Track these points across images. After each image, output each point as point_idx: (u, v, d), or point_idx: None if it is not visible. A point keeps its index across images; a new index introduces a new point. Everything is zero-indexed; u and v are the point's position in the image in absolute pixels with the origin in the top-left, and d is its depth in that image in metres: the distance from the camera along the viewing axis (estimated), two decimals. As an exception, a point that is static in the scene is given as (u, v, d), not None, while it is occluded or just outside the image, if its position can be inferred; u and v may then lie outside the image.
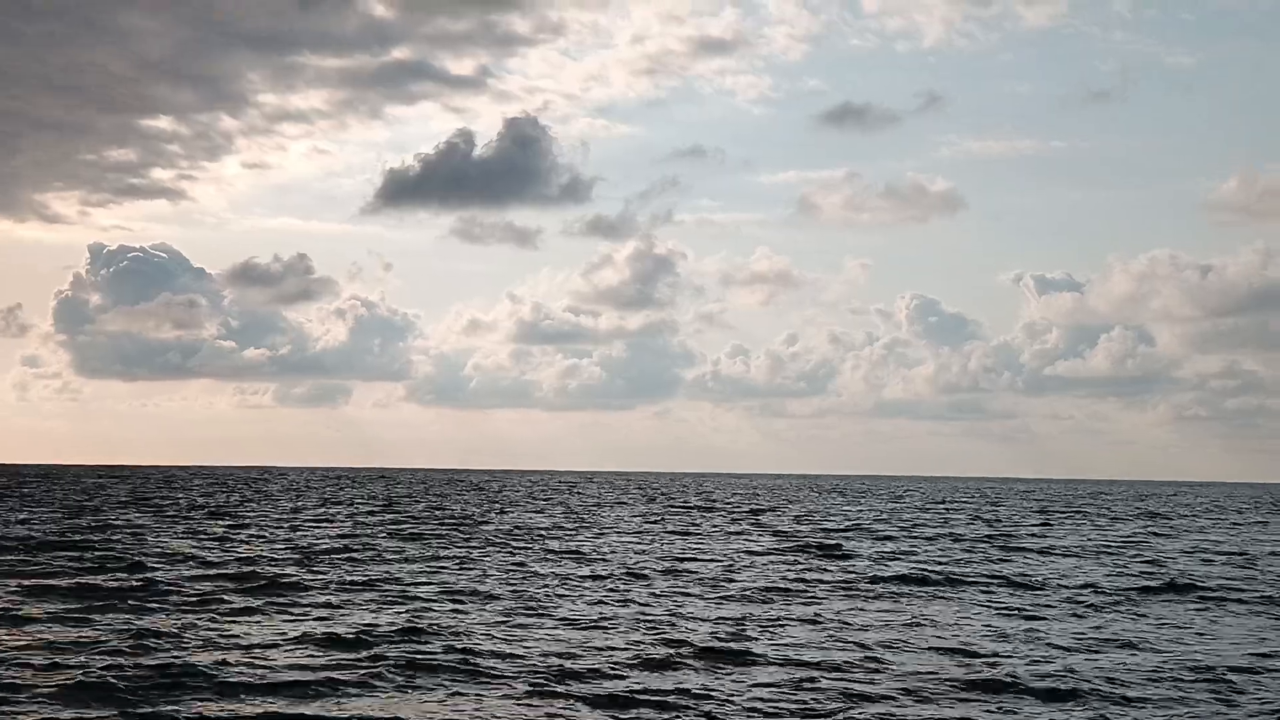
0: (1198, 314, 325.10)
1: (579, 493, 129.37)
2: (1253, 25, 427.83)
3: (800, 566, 39.45)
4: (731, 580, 34.31)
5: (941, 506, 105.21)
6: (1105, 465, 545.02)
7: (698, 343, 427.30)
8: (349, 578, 33.13)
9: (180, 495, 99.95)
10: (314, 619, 25.12)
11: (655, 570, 36.93)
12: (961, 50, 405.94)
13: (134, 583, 30.71)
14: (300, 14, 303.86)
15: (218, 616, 25.29)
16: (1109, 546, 52.49)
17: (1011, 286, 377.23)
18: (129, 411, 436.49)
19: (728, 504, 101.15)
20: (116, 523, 57.54)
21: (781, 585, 33.20)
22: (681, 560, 40.85)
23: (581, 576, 34.76)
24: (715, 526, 63.91)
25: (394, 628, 23.75)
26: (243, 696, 17.63)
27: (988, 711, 17.72)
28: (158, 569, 34.34)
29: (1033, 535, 60.57)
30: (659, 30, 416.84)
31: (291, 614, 25.80)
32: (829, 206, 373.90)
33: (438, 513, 74.26)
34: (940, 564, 41.01)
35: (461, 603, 28.36)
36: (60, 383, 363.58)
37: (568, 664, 20.47)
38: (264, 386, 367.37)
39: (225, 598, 28.22)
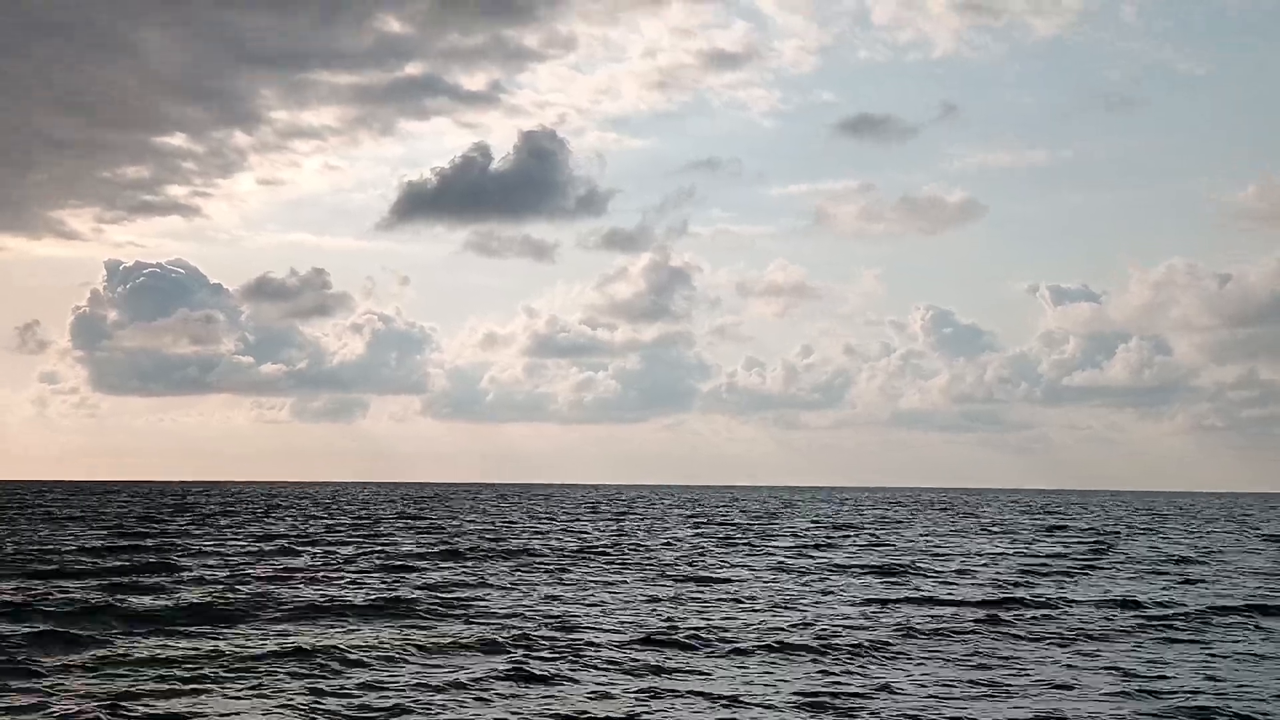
0: (1215, 323, 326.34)
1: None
2: (1265, 30, 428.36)
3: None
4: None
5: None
6: (1121, 475, 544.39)
7: (713, 355, 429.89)
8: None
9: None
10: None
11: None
12: (971, 61, 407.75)
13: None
14: (313, 31, 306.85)
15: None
16: None
17: (1026, 297, 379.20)
18: (146, 427, 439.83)
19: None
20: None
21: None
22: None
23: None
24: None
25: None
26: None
27: None
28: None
29: None
30: (669, 44, 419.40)
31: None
32: (843, 218, 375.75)
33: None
34: None
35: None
36: (78, 398, 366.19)
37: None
38: (281, 401, 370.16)
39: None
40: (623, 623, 27.94)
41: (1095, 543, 62.93)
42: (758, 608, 31.05)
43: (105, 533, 61.75)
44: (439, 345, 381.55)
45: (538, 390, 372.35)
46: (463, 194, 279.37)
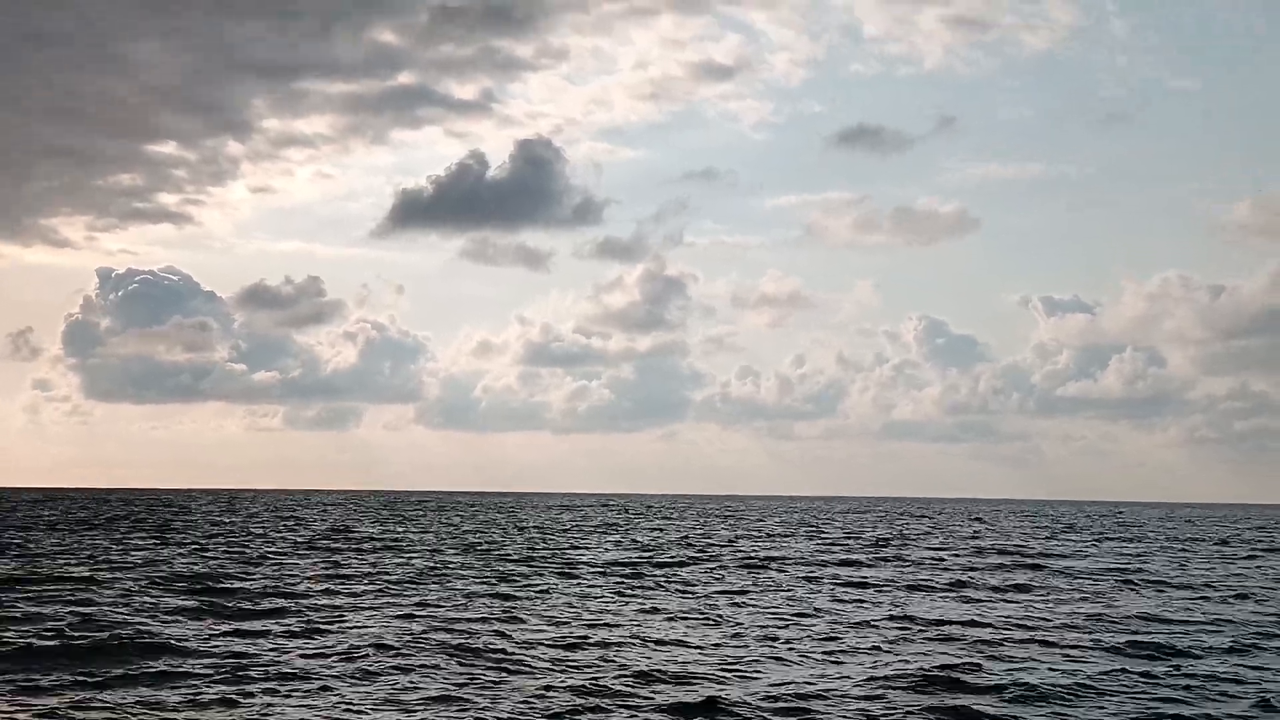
0: (1208, 336, 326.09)
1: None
2: (1254, 44, 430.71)
3: None
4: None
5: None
6: (1115, 487, 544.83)
7: (707, 365, 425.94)
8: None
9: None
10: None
11: None
12: (962, 75, 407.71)
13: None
14: (305, 41, 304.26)
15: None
16: None
17: (1019, 308, 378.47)
18: (139, 434, 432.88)
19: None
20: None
21: None
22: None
23: None
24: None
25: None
26: None
27: None
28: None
29: None
30: (660, 55, 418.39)
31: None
32: (837, 229, 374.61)
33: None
34: None
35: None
36: (70, 406, 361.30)
37: None
38: (274, 409, 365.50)
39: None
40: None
41: None
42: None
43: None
44: (433, 354, 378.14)
45: (531, 399, 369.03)
46: (457, 202, 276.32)
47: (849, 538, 77.56)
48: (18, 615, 28.43)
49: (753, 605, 33.72)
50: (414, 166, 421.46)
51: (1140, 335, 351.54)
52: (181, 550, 54.14)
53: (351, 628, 27.35)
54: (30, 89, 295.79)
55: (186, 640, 25.08)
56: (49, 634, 25.39)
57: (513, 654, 23.93)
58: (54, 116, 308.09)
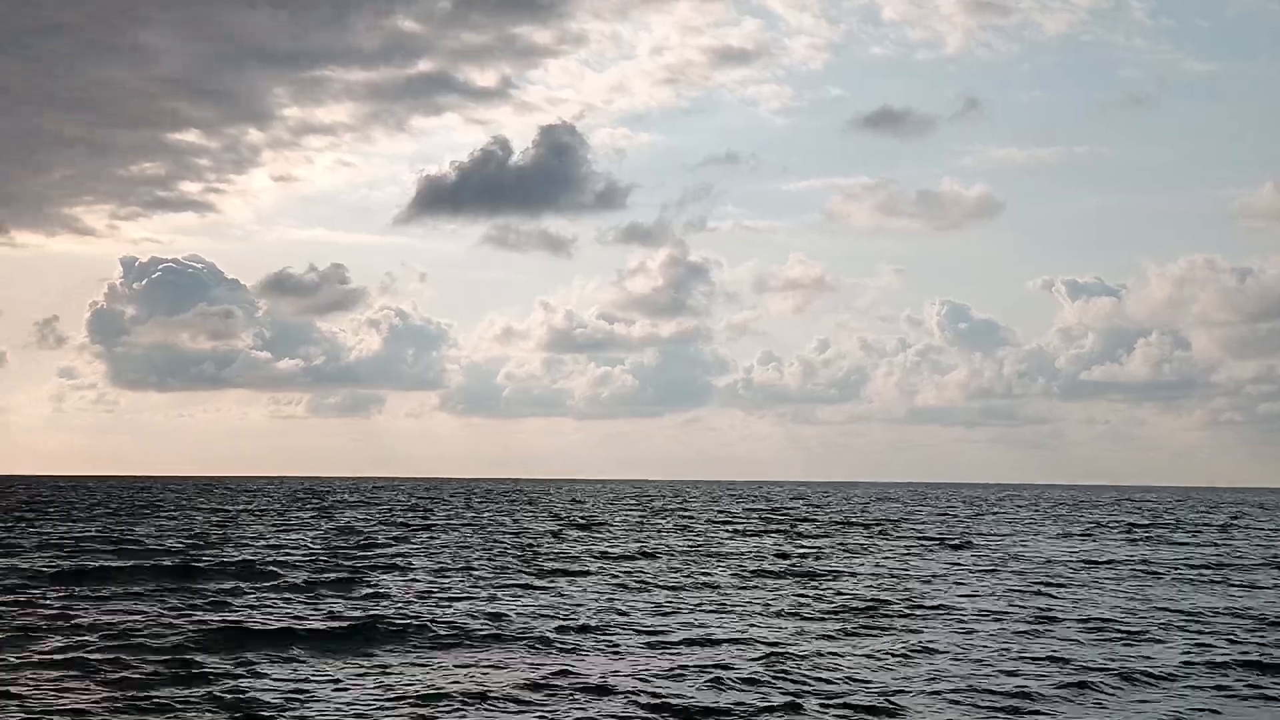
0: (1234, 318, 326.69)
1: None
2: (1274, 26, 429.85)
3: None
4: None
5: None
6: (1140, 471, 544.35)
7: (730, 350, 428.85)
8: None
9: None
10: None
11: None
12: (982, 59, 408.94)
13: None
14: (324, 29, 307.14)
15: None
16: None
17: (1041, 293, 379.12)
18: (164, 422, 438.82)
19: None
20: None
21: None
22: None
23: None
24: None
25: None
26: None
27: None
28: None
29: None
30: (679, 41, 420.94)
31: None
32: (860, 214, 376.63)
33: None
34: None
35: None
36: (95, 394, 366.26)
37: None
38: (298, 397, 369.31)
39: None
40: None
41: None
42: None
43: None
44: (456, 341, 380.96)
45: (554, 386, 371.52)
46: (480, 189, 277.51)
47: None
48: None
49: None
50: (434, 154, 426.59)
51: (1165, 318, 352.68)
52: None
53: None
54: (51, 79, 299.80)
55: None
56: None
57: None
58: (75, 106, 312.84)
